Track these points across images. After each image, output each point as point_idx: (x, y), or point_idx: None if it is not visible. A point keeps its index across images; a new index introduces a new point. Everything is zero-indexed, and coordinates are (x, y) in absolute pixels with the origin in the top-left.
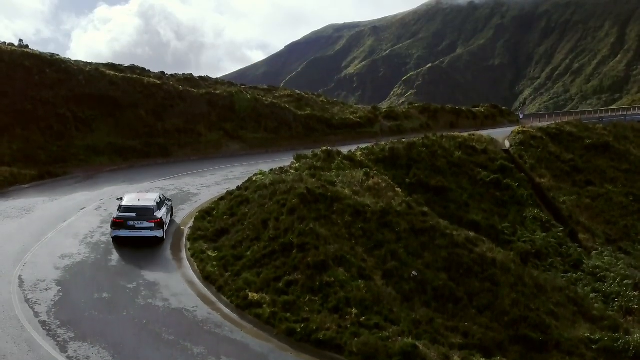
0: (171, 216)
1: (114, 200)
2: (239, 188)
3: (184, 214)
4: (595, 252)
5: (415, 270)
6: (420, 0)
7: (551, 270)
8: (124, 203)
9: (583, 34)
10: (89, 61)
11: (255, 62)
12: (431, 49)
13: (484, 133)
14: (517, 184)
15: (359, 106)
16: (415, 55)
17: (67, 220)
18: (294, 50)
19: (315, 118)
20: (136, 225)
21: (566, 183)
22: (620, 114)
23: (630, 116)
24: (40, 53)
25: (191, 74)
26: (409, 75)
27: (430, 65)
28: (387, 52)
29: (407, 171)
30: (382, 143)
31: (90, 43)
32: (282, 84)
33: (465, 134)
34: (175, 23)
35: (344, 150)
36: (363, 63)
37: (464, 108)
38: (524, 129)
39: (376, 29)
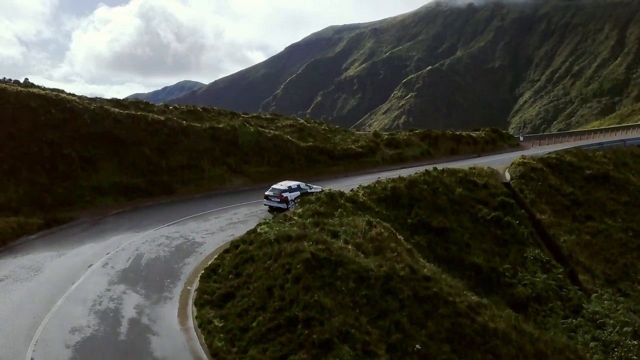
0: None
1: (120, 253)
2: (243, 241)
3: (190, 269)
4: (595, 294)
5: (419, 343)
6: (420, 2)
7: (551, 315)
8: (272, 186)
9: (583, 36)
10: (93, 97)
11: (255, 63)
12: (431, 51)
13: (485, 161)
14: (517, 222)
15: (360, 132)
16: (415, 58)
17: (75, 283)
18: (294, 51)
19: (317, 149)
20: (272, 199)
21: (566, 218)
22: (619, 138)
23: (630, 141)
24: (46, 93)
25: (194, 105)
26: (409, 77)
27: (430, 67)
28: (387, 54)
29: (409, 210)
30: (384, 181)
31: (90, 43)
32: (282, 86)
33: (466, 167)
34: (176, 24)
35: (346, 183)
36: (363, 65)
37: (464, 133)
38: (524, 160)
39: (376, 30)
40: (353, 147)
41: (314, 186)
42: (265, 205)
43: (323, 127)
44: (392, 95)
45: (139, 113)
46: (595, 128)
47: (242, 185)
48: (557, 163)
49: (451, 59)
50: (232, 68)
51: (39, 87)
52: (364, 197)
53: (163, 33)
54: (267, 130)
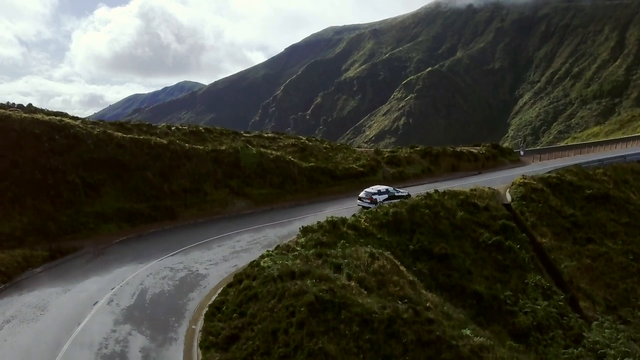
0: (408, 197)
1: (124, 287)
2: (247, 276)
3: (195, 305)
4: (595, 322)
5: None
6: (420, 4)
7: (552, 345)
8: (365, 190)
9: (583, 37)
10: (95, 120)
11: (255, 64)
12: (431, 53)
13: (485, 180)
14: (518, 246)
15: (362, 150)
16: (415, 59)
17: (81, 323)
18: (294, 52)
19: (319, 170)
20: (364, 200)
21: (567, 241)
22: (619, 154)
23: (630, 156)
24: (50, 118)
25: (196, 126)
26: (409, 78)
27: (430, 68)
28: (387, 55)
29: (410, 236)
30: (386, 205)
31: (90, 44)
32: (282, 87)
33: (467, 189)
34: (176, 25)
35: (347, 204)
36: (363, 66)
37: (464, 150)
38: (525, 181)
39: (376, 31)
40: (354, 166)
41: (400, 190)
42: (358, 205)
43: (324, 146)
44: (392, 96)
45: (142, 137)
46: (596, 141)
47: (245, 208)
48: (557, 183)
49: (451, 60)
50: (232, 68)
51: (42, 111)
52: (365, 223)
53: (163, 33)
54: (269, 151)
